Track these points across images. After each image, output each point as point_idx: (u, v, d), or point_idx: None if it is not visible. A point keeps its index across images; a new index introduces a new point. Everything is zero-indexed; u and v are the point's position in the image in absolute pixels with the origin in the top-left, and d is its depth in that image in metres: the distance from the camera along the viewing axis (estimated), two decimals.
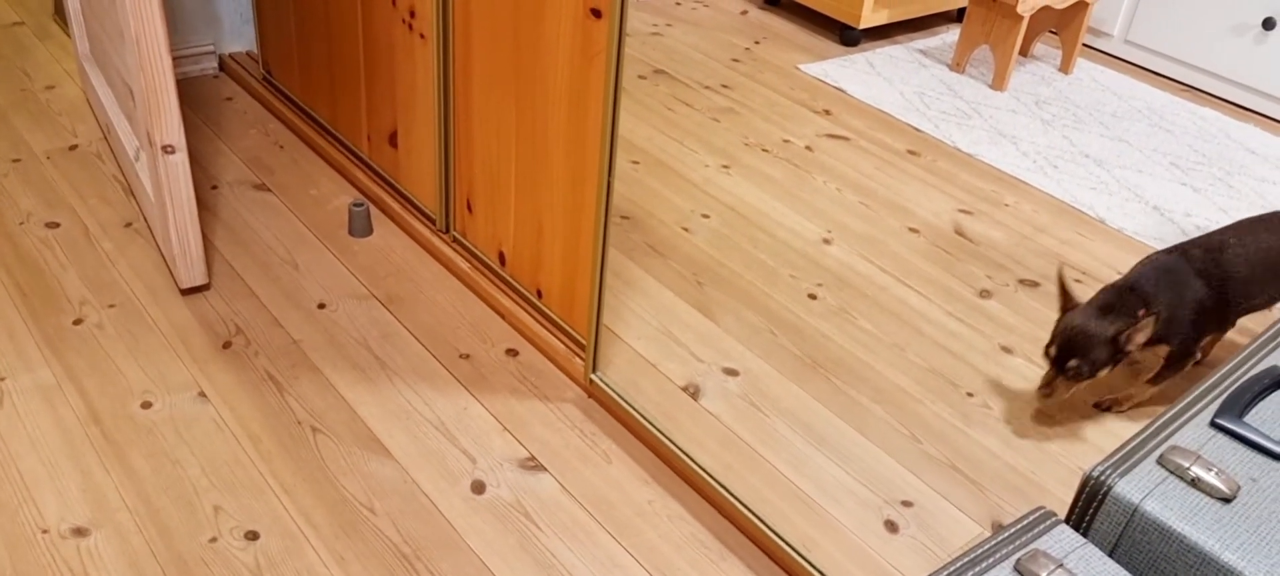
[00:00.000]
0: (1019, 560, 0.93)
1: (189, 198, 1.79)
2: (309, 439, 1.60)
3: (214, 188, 2.21)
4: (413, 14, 1.91)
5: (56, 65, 2.62)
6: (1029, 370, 1.92)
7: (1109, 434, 1.78)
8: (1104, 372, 1.66)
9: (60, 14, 2.80)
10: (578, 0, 1.52)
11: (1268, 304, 1.83)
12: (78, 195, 2.12)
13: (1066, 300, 1.73)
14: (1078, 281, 2.21)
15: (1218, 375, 1.15)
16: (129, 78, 1.79)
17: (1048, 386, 1.70)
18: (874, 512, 1.57)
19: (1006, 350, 1.96)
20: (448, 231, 2.06)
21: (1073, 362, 1.66)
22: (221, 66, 2.69)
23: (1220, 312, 1.75)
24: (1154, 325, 1.64)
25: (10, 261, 1.91)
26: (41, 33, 2.77)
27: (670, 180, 2.42)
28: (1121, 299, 1.68)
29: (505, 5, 1.67)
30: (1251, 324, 2.11)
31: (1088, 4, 3.13)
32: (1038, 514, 1.00)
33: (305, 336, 1.81)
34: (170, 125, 1.70)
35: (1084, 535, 1.00)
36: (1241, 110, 3.17)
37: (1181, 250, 1.77)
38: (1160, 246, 2.37)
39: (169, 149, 1.72)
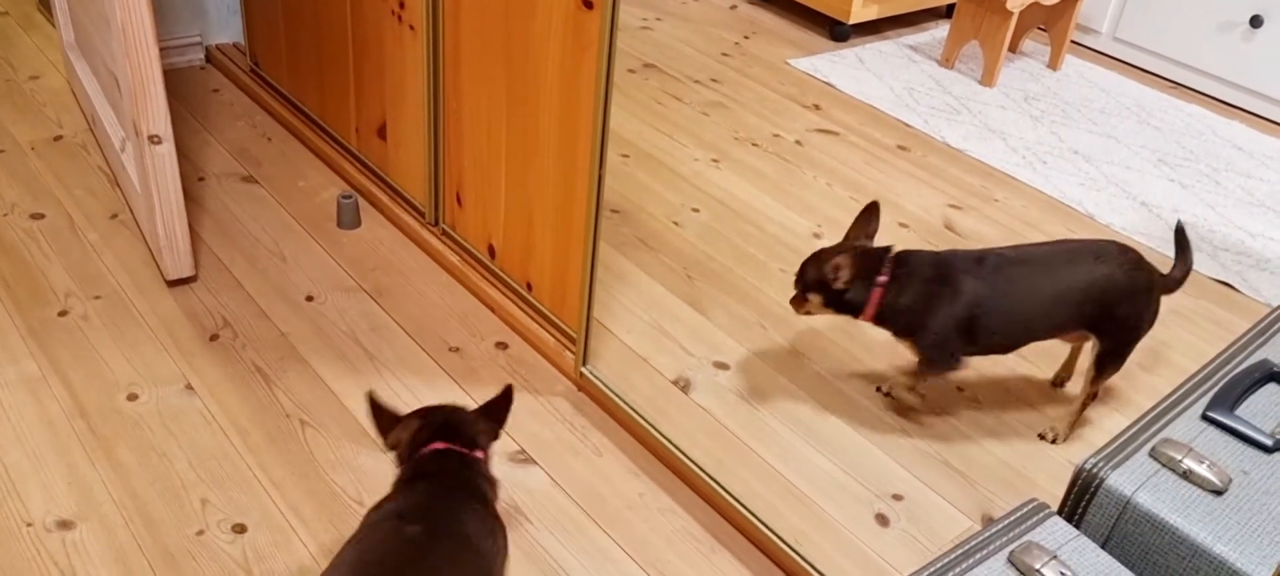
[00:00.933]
0: (1012, 552, 0.93)
1: (176, 188, 1.77)
2: (297, 432, 1.59)
3: (201, 179, 2.19)
4: (402, 5, 1.90)
5: (41, 55, 2.59)
6: (1019, 365, 1.92)
7: (1099, 428, 1.79)
8: (813, 298, 1.67)
9: (44, 3, 2.77)
10: None
11: (1037, 339, 1.73)
12: (63, 186, 2.10)
13: (848, 236, 1.72)
14: None
15: (1208, 368, 1.15)
16: (115, 67, 1.77)
17: (792, 300, 1.72)
18: (865, 506, 1.57)
19: None
20: (437, 224, 2.05)
21: (796, 280, 1.70)
22: (208, 58, 2.67)
23: (969, 331, 1.64)
24: (850, 268, 1.61)
25: None
26: (26, 22, 2.74)
27: (660, 174, 2.41)
28: (891, 258, 1.64)
29: None
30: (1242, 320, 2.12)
31: (1076, 0, 3.14)
32: (1031, 506, 1.00)
33: (293, 329, 1.80)
34: (157, 115, 1.68)
35: (1077, 527, 1.00)
36: (1228, 107, 3.19)
37: (976, 255, 1.67)
38: (1149, 243, 2.38)
39: (155, 139, 1.70)
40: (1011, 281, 1.65)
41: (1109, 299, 1.64)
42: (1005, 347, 1.73)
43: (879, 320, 1.66)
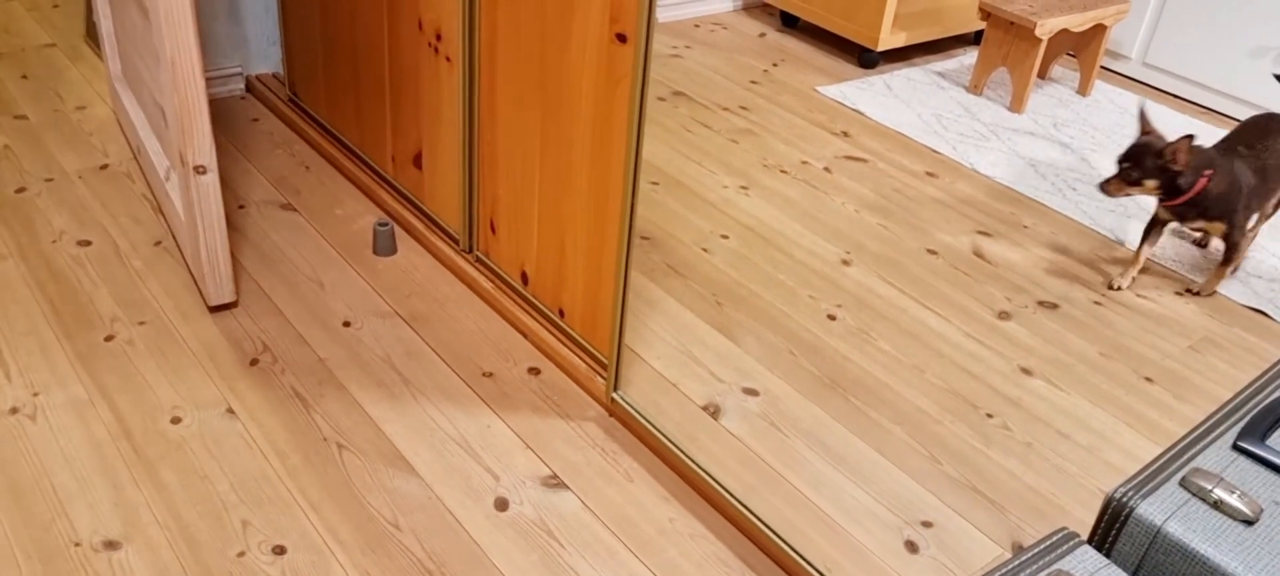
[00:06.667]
0: None
1: (219, 217, 1.82)
2: (335, 455, 1.63)
3: (241, 207, 2.24)
4: (439, 37, 1.94)
5: (88, 86, 2.67)
6: (1049, 391, 1.92)
7: (1128, 456, 1.78)
8: (1151, 183, 2.14)
9: (91, 36, 2.85)
10: (603, 25, 1.55)
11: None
12: (109, 214, 2.16)
13: (1145, 127, 2.18)
14: (1096, 303, 2.21)
15: (1239, 398, 1.15)
16: (162, 99, 1.83)
17: (1106, 183, 2.20)
18: (894, 533, 1.58)
19: (1026, 372, 1.97)
20: (471, 251, 2.08)
21: (1126, 165, 2.15)
22: (248, 88, 2.73)
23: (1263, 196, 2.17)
24: (1187, 150, 2.06)
25: (43, 278, 1.95)
26: (73, 54, 2.82)
27: (690, 201, 2.44)
28: (1194, 148, 2.09)
29: (532, 30, 1.70)
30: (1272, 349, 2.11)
31: (1106, 27, 3.15)
32: (1060, 535, 1.01)
33: (331, 354, 1.84)
34: (202, 146, 1.73)
35: (1107, 556, 1.01)
36: None
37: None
38: (1180, 270, 2.37)
39: (201, 169, 1.75)
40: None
41: None
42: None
43: (1191, 204, 2.13)
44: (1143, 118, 2.20)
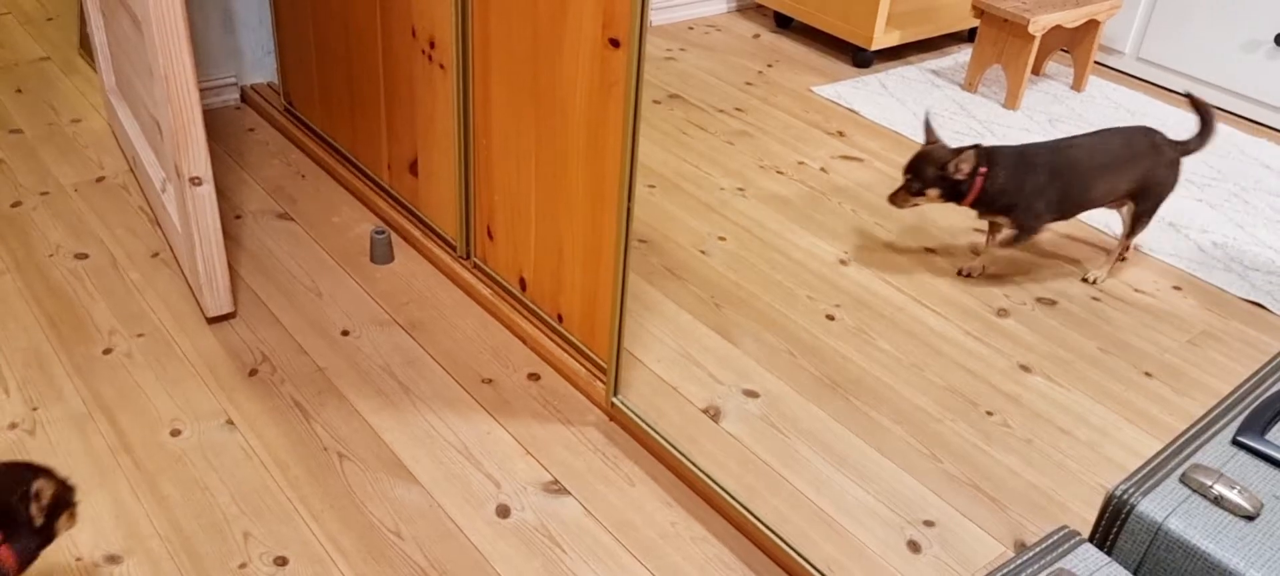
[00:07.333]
0: None
1: (215, 228, 1.82)
2: (335, 465, 1.63)
3: (238, 217, 2.24)
4: (433, 44, 1.94)
5: (82, 99, 2.66)
6: (1048, 388, 1.92)
7: (1129, 451, 1.79)
8: (933, 192, 2.13)
9: (85, 48, 2.85)
10: (596, 30, 1.55)
11: (1102, 202, 2.22)
12: (105, 226, 2.16)
13: (929, 138, 2.18)
14: (1095, 299, 2.22)
15: (1238, 392, 1.15)
16: (156, 111, 1.83)
17: (892, 196, 2.19)
18: (896, 532, 1.58)
19: (1025, 369, 1.97)
20: (468, 257, 2.08)
21: (908, 176, 2.15)
22: (243, 98, 2.73)
23: (1057, 202, 2.15)
24: (975, 159, 2.07)
25: (40, 292, 1.95)
26: (67, 67, 2.82)
27: (686, 203, 2.44)
28: (973, 150, 2.09)
29: (524, 36, 1.70)
30: (1267, 339, 2.11)
31: (1099, 22, 3.15)
32: (1062, 533, 1.01)
33: (330, 363, 1.84)
34: (197, 158, 1.73)
35: (1108, 554, 1.01)
36: (1256, 125, 3.17)
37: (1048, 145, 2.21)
38: (1177, 262, 2.37)
39: (196, 181, 1.75)
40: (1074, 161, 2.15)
41: (1145, 173, 2.16)
42: (1074, 213, 2.23)
43: (978, 203, 2.13)
44: (927, 128, 2.19)
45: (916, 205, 2.18)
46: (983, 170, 2.09)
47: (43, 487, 1.21)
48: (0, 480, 1.22)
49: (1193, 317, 2.18)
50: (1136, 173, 2.16)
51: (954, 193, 2.13)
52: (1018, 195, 2.12)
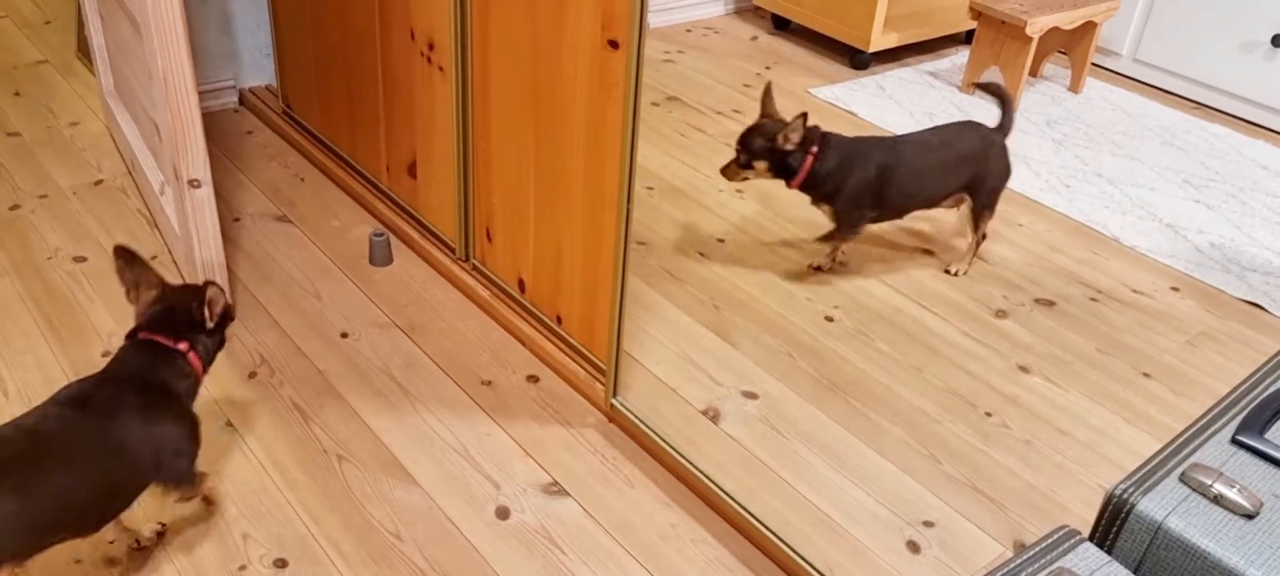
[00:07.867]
0: None
1: (214, 230, 1.82)
2: (335, 467, 1.63)
3: (236, 220, 2.24)
4: (431, 46, 1.94)
5: (80, 101, 2.66)
6: (1047, 389, 1.92)
7: (1128, 451, 1.79)
8: (761, 165, 2.08)
9: (83, 51, 2.85)
10: (595, 32, 1.55)
11: (928, 204, 2.21)
12: (104, 229, 2.16)
13: (765, 109, 2.11)
14: (1093, 299, 2.22)
15: (1237, 392, 1.16)
16: (155, 114, 1.83)
17: (725, 168, 2.14)
18: (896, 533, 1.58)
19: (1023, 369, 1.97)
20: (468, 259, 2.08)
21: (738, 149, 2.10)
22: (242, 101, 2.73)
23: (883, 198, 2.11)
24: (803, 126, 2.01)
25: (39, 295, 1.94)
26: (65, 70, 2.82)
27: (685, 205, 2.44)
28: (801, 120, 2.03)
29: (524, 38, 1.70)
30: (1266, 339, 2.12)
31: (1096, 24, 3.16)
32: (1062, 532, 1.01)
33: (329, 365, 1.84)
34: (196, 160, 1.73)
35: (1108, 553, 1.01)
36: (1252, 126, 3.18)
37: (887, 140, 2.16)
38: (1175, 264, 2.38)
39: (195, 183, 1.75)
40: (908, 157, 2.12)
41: (978, 165, 2.15)
42: (903, 211, 2.19)
43: (805, 186, 2.08)
44: (764, 99, 2.10)
45: (746, 178, 2.12)
46: (814, 150, 2.04)
47: (215, 295, 1.38)
48: (179, 295, 1.41)
49: (1191, 318, 2.19)
50: (969, 168, 2.14)
51: (784, 169, 2.06)
52: (842, 183, 2.06)
